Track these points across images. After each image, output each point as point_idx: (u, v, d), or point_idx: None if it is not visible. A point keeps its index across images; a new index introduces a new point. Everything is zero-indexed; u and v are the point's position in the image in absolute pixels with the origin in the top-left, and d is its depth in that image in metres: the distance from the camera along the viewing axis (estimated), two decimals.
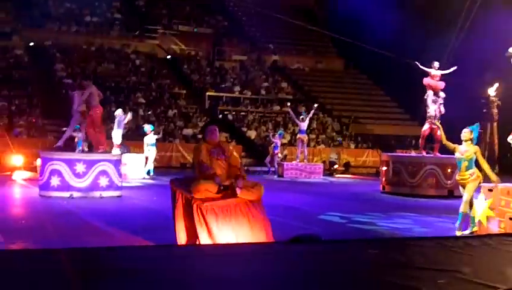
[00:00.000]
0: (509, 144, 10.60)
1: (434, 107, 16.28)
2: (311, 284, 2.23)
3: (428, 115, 16.41)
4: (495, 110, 19.05)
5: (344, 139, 30.91)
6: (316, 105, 24.16)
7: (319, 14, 40.46)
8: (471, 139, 9.34)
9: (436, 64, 16.54)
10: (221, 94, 32.13)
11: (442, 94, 16.38)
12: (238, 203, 6.72)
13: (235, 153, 7.47)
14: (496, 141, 19.40)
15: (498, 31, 20.85)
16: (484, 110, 19.08)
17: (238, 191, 6.65)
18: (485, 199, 9.94)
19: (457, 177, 9.66)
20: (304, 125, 22.03)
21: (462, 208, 9.32)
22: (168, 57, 34.84)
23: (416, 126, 25.94)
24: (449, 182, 15.42)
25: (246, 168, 19.07)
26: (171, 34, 35.53)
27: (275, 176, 21.16)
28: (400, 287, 1.88)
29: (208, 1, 38.38)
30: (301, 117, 22.21)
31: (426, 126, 16.46)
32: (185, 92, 31.67)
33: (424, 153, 16.70)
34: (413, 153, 17.28)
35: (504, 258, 3.25)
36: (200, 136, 24.74)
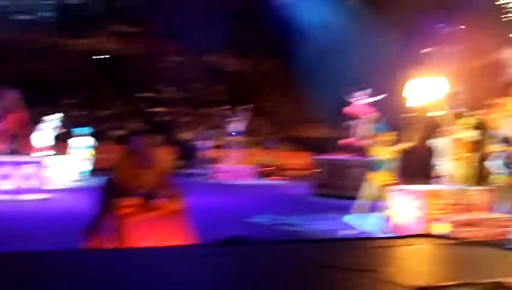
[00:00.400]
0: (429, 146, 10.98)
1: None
2: (238, 285, 2.26)
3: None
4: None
5: (277, 142, 31.18)
6: (246, 107, 24.17)
7: (256, 16, 40.64)
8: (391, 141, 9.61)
9: (360, 93, 17.09)
10: (156, 95, 31.81)
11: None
12: (161, 215, 6.66)
13: (161, 160, 7.39)
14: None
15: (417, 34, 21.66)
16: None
17: (158, 202, 6.63)
18: (411, 201, 10.27)
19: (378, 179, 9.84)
20: (238, 127, 22.09)
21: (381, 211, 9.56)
22: (102, 57, 34.20)
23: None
24: None
25: (178, 171, 18.95)
26: (105, 33, 34.90)
27: (207, 179, 21.09)
28: (324, 288, 1.92)
29: (143, 1, 37.90)
30: (234, 119, 22.26)
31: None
32: (118, 92, 31.19)
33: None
34: (344, 156, 17.62)
35: (424, 258, 3.37)
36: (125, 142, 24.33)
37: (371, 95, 17.08)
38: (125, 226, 6.33)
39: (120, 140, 26.43)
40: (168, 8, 33.47)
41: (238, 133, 22.24)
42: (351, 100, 16.97)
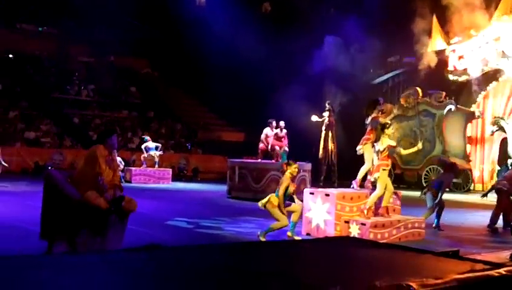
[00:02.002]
0: (356, 151, 11.33)
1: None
2: None
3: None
4: (332, 119, 20.24)
5: (193, 145, 31.13)
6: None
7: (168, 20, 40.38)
8: None
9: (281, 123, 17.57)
10: (67, 96, 30.97)
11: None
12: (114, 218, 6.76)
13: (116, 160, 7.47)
14: (335, 148, 20.61)
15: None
16: (324, 119, 20.18)
17: (124, 203, 6.70)
18: (322, 203, 10.57)
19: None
20: (152, 131, 21.91)
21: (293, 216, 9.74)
22: (10, 56, 32.89)
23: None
24: None
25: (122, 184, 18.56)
26: (13, 32, 33.58)
27: (122, 181, 20.72)
28: None
29: (54, 0, 36.77)
30: (148, 123, 22.08)
31: (261, 146, 17.67)
32: (27, 93, 30.11)
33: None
34: (258, 160, 17.90)
35: (335, 260, 3.50)
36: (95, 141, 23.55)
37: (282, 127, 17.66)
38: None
39: (100, 137, 25.58)
40: (79, 9, 32.77)
41: (154, 147, 22.03)
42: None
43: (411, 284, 1.86)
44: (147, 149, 21.96)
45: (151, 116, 32.62)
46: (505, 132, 22.28)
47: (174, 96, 35.46)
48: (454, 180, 21.85)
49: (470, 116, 24.31)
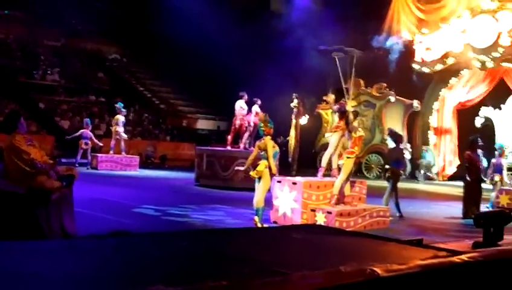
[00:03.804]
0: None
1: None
2: (119, 277, 2.29)
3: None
4: (300, 108, 20.30)
5: (161, 132, 30.96)
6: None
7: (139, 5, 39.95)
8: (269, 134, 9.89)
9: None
10: (33, 81, 30.45)
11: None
12: (64, 191, 6.70)
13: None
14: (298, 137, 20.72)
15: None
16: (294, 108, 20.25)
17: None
18: (289, 192, 10.65)
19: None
20: (120, 117, 21.65)
21: (259, 202, 9.72)
22: None
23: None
24: None
25: (57, 160, 18.28)
26: None
27: (88, 168, 20.51)
28: (206, 278, 2.01)
29: None
30: (116, 108, 21.78)
31: (237, 123, 17.43)
32: None
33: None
34: (228, 148, 17.87)
35: (302, 247, 3.55)
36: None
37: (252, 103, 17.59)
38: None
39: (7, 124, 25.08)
40: None
41: (120, 123, 21.72)
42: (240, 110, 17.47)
43: (375, 269, 1.90)
44: (120, 123, 21.49)
45: (117, 102, 32.28)
46: (492, 123, 22.71)
47: (142, 82, 35.17)
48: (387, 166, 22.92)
49: (409, 107, 25.19)
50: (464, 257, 2.36)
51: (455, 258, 2.34)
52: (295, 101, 19.34)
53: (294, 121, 20.06)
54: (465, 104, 24.72)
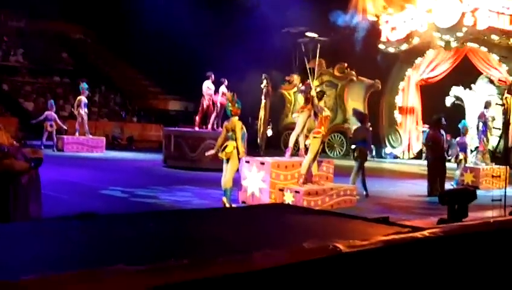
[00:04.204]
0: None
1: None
2: (82, 258, 2.28)
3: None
4: (269, 88, 20.33)
5: (128, 113, 30.67)
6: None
7: None
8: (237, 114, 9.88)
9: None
10: None
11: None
12: (31, 174, 6.60)
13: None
14: (267, 117, 20.77)
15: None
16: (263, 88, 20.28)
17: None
18: (258, 172, 10.68)
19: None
20: (85, 97, 21.36)
21: (228, 183, 9.73)
22: None
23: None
24: None
25: (23, 142, 17.98)
26: None
27: (54, 150, 20.24)
28: (169, 257, 2.01)
29: None
30: (81, 89, 21.41)
31: (205, 103, 17.37)
32: None
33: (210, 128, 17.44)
34: (196, 128, 17.80)
35: (268, 226, 3.57)
36: None
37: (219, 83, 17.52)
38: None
39: None
40: None
41: (86, 104, 21.43)
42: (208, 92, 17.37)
43: (338, 245, 1.93)
44: (83, 104, 21.13)
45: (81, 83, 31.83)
46: (463, 102, 23.02)
47: (108, 62, 34.72)
48: (353, 146, 23.63)
49: (370, 87, 25.52)
50: (425, 232, 2.41)
51: (417, 234, 2.39)
52: (264, 81, 19.36)
53: (264, 101, 20.09)
54: (428, 80, 25.05)
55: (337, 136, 24.63)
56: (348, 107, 25.10)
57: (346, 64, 25.57)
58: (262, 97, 19.79)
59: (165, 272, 1.59)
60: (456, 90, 23.18)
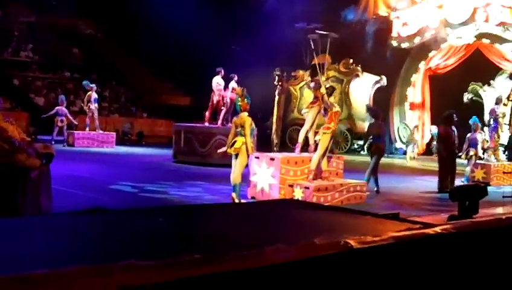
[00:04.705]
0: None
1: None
2: (92, 253, 2.28)
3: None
4: (284, 84, 20.28)
5: (138, 109, 30.73)
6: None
7: None
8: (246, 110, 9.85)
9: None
10: (6, 58, 29.94)
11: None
12: (42, 169, 6.64)
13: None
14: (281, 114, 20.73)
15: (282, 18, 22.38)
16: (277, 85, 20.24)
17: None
18: (267, 168, 10.68)
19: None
20: (95, 93, 21.44)
21: (237, 179, 9.71)
22: None
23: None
24: None
25: (34, 137, 18.11)
26: None
27: (64, 145, 20.33)
28: (180, 253, 2.01)
29: None
30: (91, 85, 21.41)
31: (215, 99, 17.38)
32: None
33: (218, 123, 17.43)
34: (206, 124, 17.79)
35: (278, 221, 3.56)
36: None
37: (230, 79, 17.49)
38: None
39: None
40: None
41: (96, 99, 21.51)
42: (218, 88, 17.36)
43: (349, 241, 1.92)
44: (93, 100, 21.21)
45: (94, 79, 31.94)
46: (481, 99, 22.81)
47: (118, 58, 34.74)
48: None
49: (376, 82, 25.36)
50: (437, 229, 2.39)
51: (429, 230, 2.37)
52: (277, 78, 19.31)
53: (277, 97, 20.04)
54: (436, 70, 24.92)
55: (342, 132, 24.59)
56: (353, 102, 25.04)
57: (351, 60, 25.46)
58: (276, 93, 19.76)
59: (175, 268, 1.59)
60: (475, 87, 22.95)
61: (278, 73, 19.73)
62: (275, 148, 16.25)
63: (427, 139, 25.19)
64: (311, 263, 1.78)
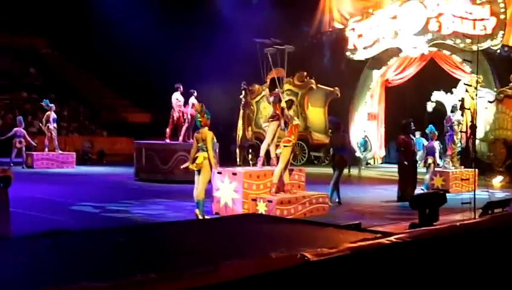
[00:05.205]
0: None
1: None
2: (47, 276, 2.27)
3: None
4: (248, 98, 20.44)
5: (97, 127, 30.40)
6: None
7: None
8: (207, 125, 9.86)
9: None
10: None
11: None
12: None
13: None
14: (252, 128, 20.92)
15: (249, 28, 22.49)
16: (242, 98, 20.28)
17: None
18: (230, 182, 10.68)
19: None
20: (53, 113, 21.13)
21: (200, 195, 9.67)
22: None
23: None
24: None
25: None
26: None
27: (23, 167, 19.97)
28: (137, 272, 2.02)
29: None
30: (49, 105, 21.10)
31: (175, 115, 17.34)
32: None
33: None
34: (167, 141, 17.69)
35: (239, 236, 3.59)
36: None
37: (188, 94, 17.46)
38: None
39: None
40: None
41: (54, 119, 21.19)
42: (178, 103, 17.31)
43: (306, 254, 1.95)
44: (51, 120, 20.90)
45: (52, 98, 31.48)
46: (444, 107, 23.11)
47: (76, 77, 34.34)
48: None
49: (330, 95, 25.62)
50: (392, 238, 2.45)
51: (384, 240, 2.42)
52: (243, 92, 19.45)
53: (242, 111, 20.12)
54: (392, 82, 25.38)
55: (299, 143, 24.73)
56: (309, 114, 25.33)
57: (305, 73, 25.66)
58: (241, 106, 19.84)
59: (127, 288, 1.59)
60: (438, 95, 23.29)
61: (244, 87, 19.85)
62: (239, 162, 16.29)
63: (383, 149, 25.65)
64: (267, 277, 1.80)
